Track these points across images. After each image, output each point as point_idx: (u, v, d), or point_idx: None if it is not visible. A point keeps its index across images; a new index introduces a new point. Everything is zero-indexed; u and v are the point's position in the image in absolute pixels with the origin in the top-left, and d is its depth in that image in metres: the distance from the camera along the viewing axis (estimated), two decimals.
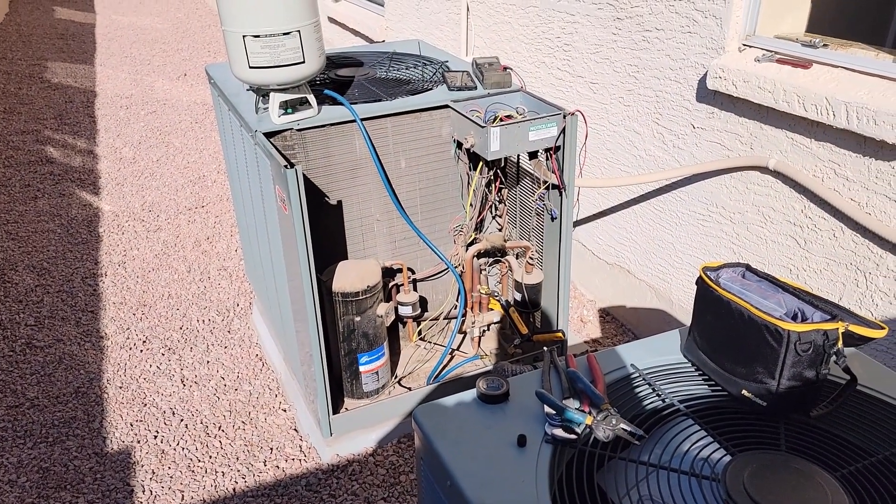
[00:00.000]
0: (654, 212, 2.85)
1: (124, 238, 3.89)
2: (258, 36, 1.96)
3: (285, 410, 2.67)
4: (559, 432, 1.18)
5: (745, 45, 2.33)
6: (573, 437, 1.17)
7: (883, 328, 1.19)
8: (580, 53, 3.01)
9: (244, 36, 1.96)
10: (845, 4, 2.65)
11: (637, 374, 1.35)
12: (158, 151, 5.00)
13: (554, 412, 1.20)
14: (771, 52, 2.26)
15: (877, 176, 1.99)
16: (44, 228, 3.97)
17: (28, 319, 3.20)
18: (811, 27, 2.44)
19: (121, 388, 2.80)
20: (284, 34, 1.97)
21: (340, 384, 2.48)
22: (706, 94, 2.46)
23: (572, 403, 1.25)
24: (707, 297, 1.30)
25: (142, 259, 3.69)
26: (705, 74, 2.42)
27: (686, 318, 2.82)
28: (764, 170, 2.32)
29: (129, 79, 6.55)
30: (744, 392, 1.23)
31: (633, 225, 2.98)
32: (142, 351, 3.01)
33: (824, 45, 2.16)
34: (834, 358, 1.17)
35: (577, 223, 3.35)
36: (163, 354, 2.99)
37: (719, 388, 1.31)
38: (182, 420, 2.63)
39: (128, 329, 3.15)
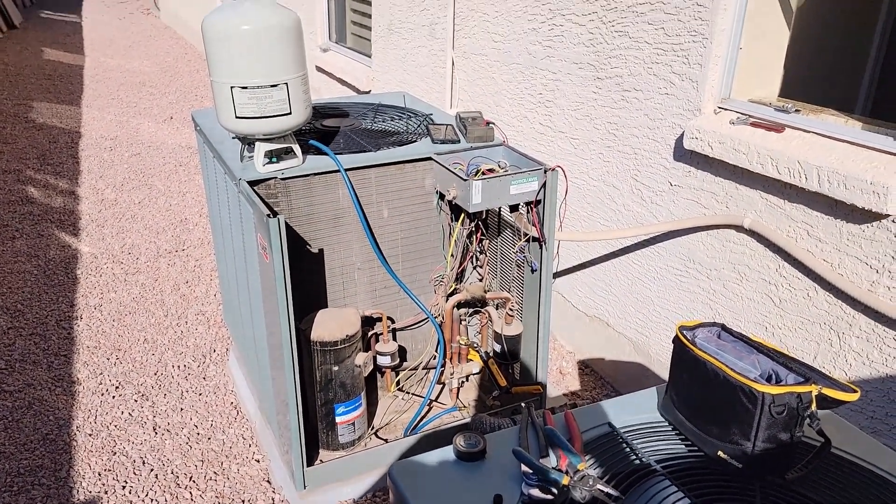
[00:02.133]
0: (633, 266, 2.89)
1: (102, 280, 3.85)
2: (246, 87, 1.99)
3: (259, 461, 2.62)
4: (536, 492, 1.17)
5: (720, 107, 2.41)
6: (550, 497, 1.16)
7: (855, 391, 1.20)
8: (561, 110, 3.08)
9: (232, 87, 1.99)
10: (816, 72, 2.76)
11: (614, 433, 1.35)
12: (141, 193, 4.99)
13: (531, 471, 1.19)
14: (745, 115, 2.33)
15: (848, 238, 2.04)
16: (20, 269, 3.92)
17: None
18: (784, 92, 2.52)
19: (90, 435, 2.73)
20: (272, 86, 2.00)
21: (316, 435, 2.45)
22: (683, 154, 2.52)
23: (549, 462, 1.24)
24: (683, 356, 1.31)
25: (119, 302, 3.64)
26: (682, 134, 2.48)
27: (664, 372, 2.83)
28: (739, 228, 2.37)
29: (114, 121, 6.57)
30: (720, 453, 1.24)
31: (613, 278, 3.01)
32: (114, 397, 2.95)
33: (796, 111, 2.23)
34: (808, 421, 1.18)
35: (557, 275, 3.38)
36: (135, 401, 2.93)
37: (696, 448, 1.31)
38: (152, 470, 2.57)
39: (101, 374, 3.09)
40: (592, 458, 1.27)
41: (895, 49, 2.96)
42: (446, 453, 1.28)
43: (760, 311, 2.37)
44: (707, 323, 1.36)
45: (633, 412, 1.41)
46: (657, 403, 1.44)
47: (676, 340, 1.33)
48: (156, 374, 3.10)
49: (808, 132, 2.17)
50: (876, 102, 2.98)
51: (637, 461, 1.29)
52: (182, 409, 2.88)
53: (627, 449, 1.31)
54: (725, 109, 2.40)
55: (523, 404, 1.44)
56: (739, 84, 2.39)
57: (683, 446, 1.32)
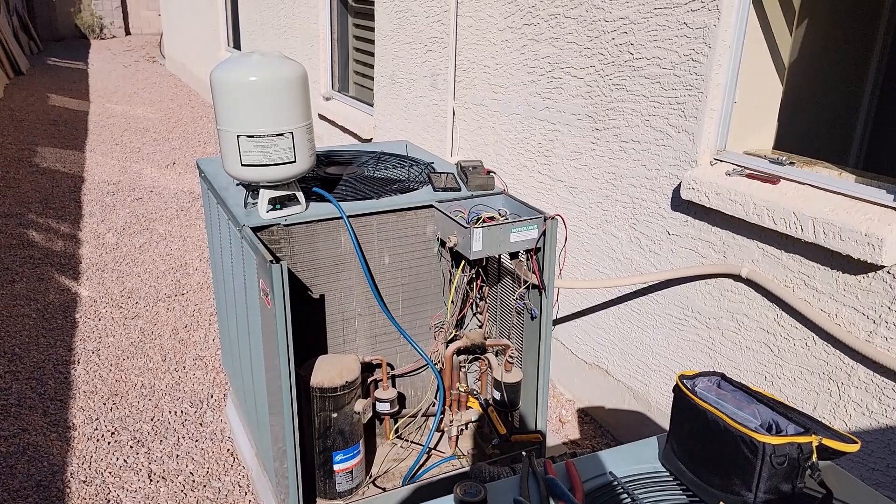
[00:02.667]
0: (632, 314, 2.90)
1: (101, 324, 3.84)
2: (252, 136, 2.03)
3: None
4: None
5: (716, 159, 2.46)
6: None
7: (856, 442, 1.21)
8: (560, 159, 3.14)
9: (238, 136, 2.04)
10: (809, 125, 2.82)
11: (616, 483, 1.35)
12: (142, 238, 5.02)
13: None
14: (741, 167, 2.38)
15: (844, 288, 2.06)
16: (18, 313, 3.92)
17: None
18: (778, 145, 2.58)
19: (84, 482, 2.70)
20: (278, 135, 2.05)
21: (313, 483, 2.42)
22: (680, 204, 2.56)
23: None
24: (684, 406, 1.32)
25: (117, 346, 3.63)
26: (679, 185, 2.53)
27: (664, 420, 2.81)
28: (737, 278, 2.39)
29: (117, 165, 6.65)
30: None
31: (612, 326, 3.02)
32: (109, 443, 2.92)
33: (791, 163, 2.28)
34: (809, 471, 1.19)
35: (556, 322, 3.38)
36: (131, 447, 2.90)
37: (697, 498, 1.31)
38: None
39: (97, 419, 3.06)
40: None
41: (886, 104, 3.04)
42: (446, 503, 1.27)
43: (759, 360, 2.37)
44: (707, 372, 1.37)
45: (634, 461, 1.41)
46: (658, 453, 1.43)
47: (677, 389, 1.34)
48: (152, 419, 3.08)
49: (803, 184, 2.21)
50: (868, 155, 3.05)
51: None
52: (178, 456, 2.85)
53: (629, 499, 1.31)
54: (721, 161, 2.45)
55: (524, 453, 1.44)
56: (735, 136, 2.44)
57: (685, 496, 1.32)
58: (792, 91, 2.68)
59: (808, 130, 2.84)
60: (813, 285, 2.15)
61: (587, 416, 3.20)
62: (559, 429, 3.13)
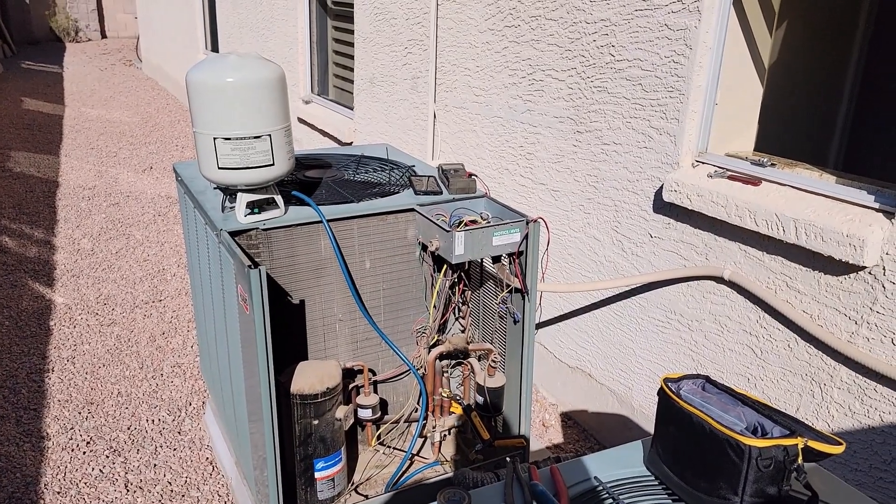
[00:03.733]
0: (615, 317, 2.89)
1: (76, 332, 3.77)
2: (229, 138, 1.99)
3: None
4: None
5: (698, 161, 2.46)
6: None
7: (841, 444, 1.20)
8: (542, 162, 3.13)
9: (215, 138, 2.00)
10: (790, 126, 2.83)
11: (601, 488, 1.33)
12: (118, 243, 4.94)
13: None
14: (722, 168, 2.38)
15: (826, 290, 2.07)
16: None
17: None
18: (758, 146, 2.58)
19: (59, 493, 2.63)
20: (255, 138, 2.01)
21: (294, 491, 2.38)
22: (662, 206, 2.56)
23: None
24: (669, 409, 1.31)
25: (92, 354, 3.56)
26: (661, 187, 2.52)
27: (647, 424, 2.81)
28: (719, 280, 2.39)
29: (93, 170, 6.55)
30: None
31: (595, 329, 3.02)
32: (85, 453, 2.86)
33: (772, 164, 2.28)
34: (795, 474, 1.18)
35: (539, 325, 3.37)
36: (107, 456, 2.84)
37: (683, 502, 1.29)
38: None
39: (72, 429, 3.00)
40: None
41: (864, 105, 3.07)
42: None
43: (742, 362, 2.37)
44: (691, 375, 1.36)
45: (619, 466, 1.39)
46: (643, 457, 1.42)
47: (661, 393, 1.33)
48: (129, 428, 3.02)
49: (784, 185, 2.21)
50: (848, 156, 3.07)
51: None
52: (155, 465, 2.79)
53: None
54: (703, 163, 2.45)
55: (508, 458, 1.42)
56: (716, 138, 2.44)
57: (670, 501, 1.30)
58: (772, 92, 2.69)
59: (788, 132, 2.86)
60: (795, 287, 2.16)
61: (570, 420, 3.18)
62: (543, 433, 3.11)
